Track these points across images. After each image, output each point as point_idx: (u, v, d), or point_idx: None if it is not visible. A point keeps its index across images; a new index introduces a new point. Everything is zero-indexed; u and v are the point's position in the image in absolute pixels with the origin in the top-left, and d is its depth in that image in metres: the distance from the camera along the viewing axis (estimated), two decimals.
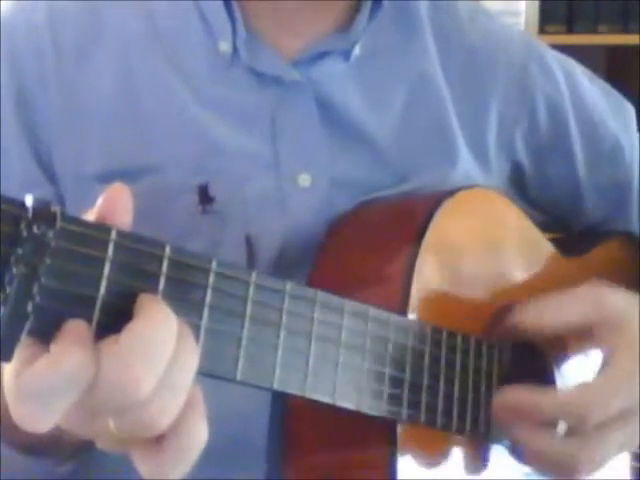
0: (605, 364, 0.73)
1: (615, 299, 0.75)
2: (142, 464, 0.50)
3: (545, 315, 0.74)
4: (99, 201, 0.49)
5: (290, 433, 0.70)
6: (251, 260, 0.77)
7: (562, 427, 0.72)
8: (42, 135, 0.78)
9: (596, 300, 0.75)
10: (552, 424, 0.71)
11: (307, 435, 0.70)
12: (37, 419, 0.46)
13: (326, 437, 0.69)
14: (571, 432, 0.71)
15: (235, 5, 0.78)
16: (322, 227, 0.78)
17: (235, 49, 0.79)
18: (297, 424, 0.70)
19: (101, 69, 0.79)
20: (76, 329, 0.47)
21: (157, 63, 0.79)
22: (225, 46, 0.79)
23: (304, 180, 0.79)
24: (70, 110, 0.78)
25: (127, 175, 0.76)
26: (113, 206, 0.49)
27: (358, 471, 0.69)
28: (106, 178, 0.76)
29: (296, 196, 0.78)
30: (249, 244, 0.77)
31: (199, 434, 0.50)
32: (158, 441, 0.50)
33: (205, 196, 0.77)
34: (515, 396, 0.71)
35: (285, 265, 0.77)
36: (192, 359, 0.50)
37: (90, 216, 0.49)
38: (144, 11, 0.80)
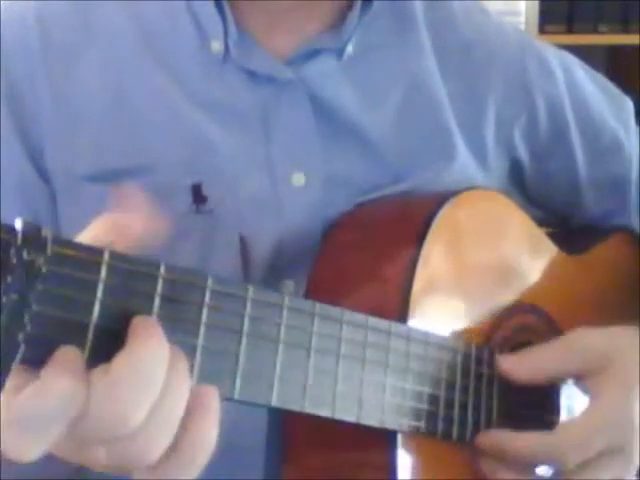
0: (588, 404, 0.74)
1: (592, 343, 0.75)
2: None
3: (524, 367, 0.74)
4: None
5: (288, 435, 0.70)
6: (245, 260, 0.76)
7: (544, 469, 0.73)
8: (34, 134, 0.78)
9: (570, 349, 0.75)
10: (537, 465, 0.73)
11: (306, 437, 0.69)
12: (22, 448, 0.45)
13: (325, 439, 0.69)
14: (555, 473, 0.72)
15: (226, 5, 0.78)
16: (317, 227, 0.77)
17: (227, 48, 0.78)
18: (295, 426, 0.69)
19: (91, 70, 0.78)
20: (67, 356, 0.46)
21: (148, 63, 0.79)
22: (217, 45, 0.78)
23: (298, 179, 0.78)
24: (60, 110, 0.77)
25: (119, 175, 0.76)
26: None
27: (358, 472, 0.69)
28: (97, 178, 0.76)
29: (290, 196, 0.78)
30: (243, 244, 0.76)
31: (206, 441, 0.50)
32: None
33: (198, 196, 0.76)
34: (496, 439, 0.72)
35: (280, 265, 0.77)
36: (183, 389, 0.49)
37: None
38: (134, 12, 0.80)
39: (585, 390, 0.75)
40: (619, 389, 0.74)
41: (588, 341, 0.75)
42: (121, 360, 0.46)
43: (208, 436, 0.50)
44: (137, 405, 0.46)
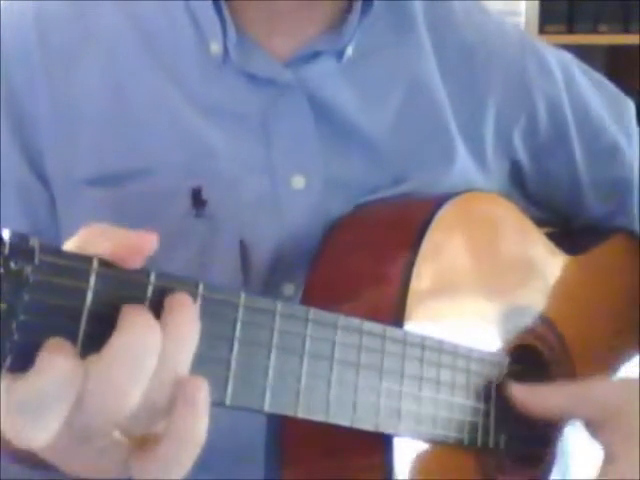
0: (604, 463, 0.73)
1: (605, 394, 0.75)
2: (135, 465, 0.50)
3: (537, 402, 0.74)
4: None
5: (288, 436, 0.69)
6: (245, 264, 0.76)
7: None
8: (33, 138, 0.77)
9: (582, 396, 0.75)
10: None
11: (305, 438, 0.69)
12: (30, 432, 0.45)
13: (324, 440, 0.68)
14: None
15: (224, 6, 0.77)
16: (317, 229, 0.77)
17: (226, 51, 0.78)
18: (295, 427, 0.68)
19: (90, 72, 0.78)
20: (59, 343, 0.46)
21: (147, 66, 0.78)
22: (216, 47, 0.78)
23: (298, 182, 0.78)
24: (59, 113, 0.77)
25: (118, 179, 0.76)
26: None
27: (357, 473, 0.68)
28: (97, 182, 0.76)
29: (290, 198, 0.77)
30: (243, 248, 0.76)
31: (191, 437, 0.49)
32: (150, 442, 0.49)
33: (198, 200, 0.76)
34: None
35: (280, 269, 0.77)
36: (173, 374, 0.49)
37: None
38: (133, 12, 0.80)
39: (593, 437, 0.75)
40: (631, 455, 0.73)
41: (602, 392, 0.75)
42: (113, 343, 0.46)
43: (193, 432, 0.49)
44: (133, 385, 0.46)
